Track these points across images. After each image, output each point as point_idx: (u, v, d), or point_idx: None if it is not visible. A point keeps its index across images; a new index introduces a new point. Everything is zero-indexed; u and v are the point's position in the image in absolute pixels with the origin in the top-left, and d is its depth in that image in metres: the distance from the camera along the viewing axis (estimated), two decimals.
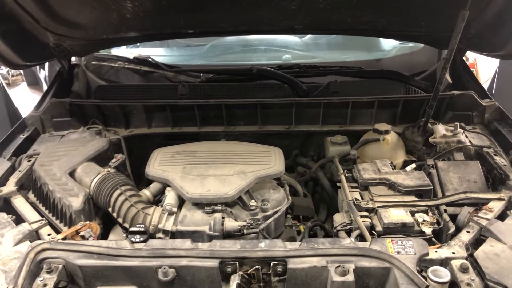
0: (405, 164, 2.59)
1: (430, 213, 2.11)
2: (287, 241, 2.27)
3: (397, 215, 2.08)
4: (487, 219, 1.93)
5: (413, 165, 2.52)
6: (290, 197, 2.33)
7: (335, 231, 2.14)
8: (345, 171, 2.43)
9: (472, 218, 1.96)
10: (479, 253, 1.75)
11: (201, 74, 3.07)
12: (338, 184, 2.39)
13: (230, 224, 2.02)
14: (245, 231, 2.01)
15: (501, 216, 2.01)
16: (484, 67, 6.51)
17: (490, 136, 2.67)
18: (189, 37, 3.35)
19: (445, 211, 2.13)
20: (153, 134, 2.80)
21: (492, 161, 2.40)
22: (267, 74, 2.94)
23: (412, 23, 2.61)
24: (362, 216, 2.10)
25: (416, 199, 2.20)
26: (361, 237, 2.00)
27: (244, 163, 2.26)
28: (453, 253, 1.77)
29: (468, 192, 2.15)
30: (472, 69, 6.36)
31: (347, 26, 2.63)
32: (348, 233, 2.10)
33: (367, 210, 2.13)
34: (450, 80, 2.93)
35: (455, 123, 2.63)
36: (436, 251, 1.78)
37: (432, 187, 2.24)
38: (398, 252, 1.73)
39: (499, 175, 2.33)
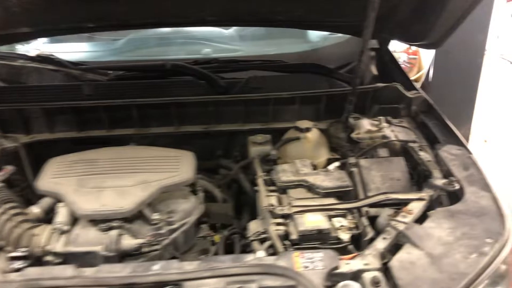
0: (330, 162, 2.43)
1: (349, 217, 1.97)
2: (201, 254, 2.07)
3: (313, 221, 1.92)
4: (404, 222, 1.80)
5: (337, 163, 2.38)
6: (203, 205, 2.13)
7: (248, 241, 1.96)
8: (264, 173, 2.25)
9: (390, 223, 1.82)
10: (394, 263, 1.62)
11: (110, 72, 2.80)
12: (256, 188, 2.21)
13: (128, 242, 1.81)
14: (145, 249, 1.80)
15: (422, 218, 1.89)
16: (428, 54, 6.50)
17: (417, 129, 2.56)
18: (90, 32, 3.06)
19: (366, 213, 1.99)
20: (59, 140, 2.52)
21: (417, 156, 2.29)
22: (182, 70, 2.71)
23: (331, 12, 2.45)
24: (277, 224, 1.93)
25: (336, 201, 2.06)
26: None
27: (148, 171, 2.03)
28: (366, 264, 1.62)
29: (389, 192, 2.02)
30: (415, 57, 6.38)
31: (262, 16, 2.43)
32: (264, 243, 1.92)
33: (283, 216, 1.96)
34: (375, 72, 2.81)
35: (379, 117, 2.50)
36: (347, 263, 1.63)
37: (352, 188, 2.10)
38: (306, 267, 1.57)
39: (423, 172, 2.21)
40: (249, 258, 1.62)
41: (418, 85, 4.48)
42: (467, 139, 4.46)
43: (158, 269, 1.56)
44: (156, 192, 1.94)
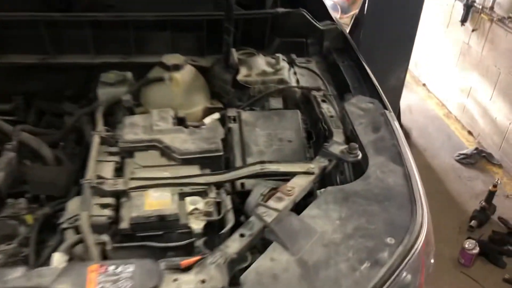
0: (209, 113, 1.82)
1: (211, 196, 1.39)
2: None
3: (155, 203, 1.33)
4: (276, 209, 1.24)
5: (216, 116, 1.77)
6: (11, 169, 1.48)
7: (61, 228, 1.34)
8: (105, 127, 1.61)
9: (257, 210, 1.25)
10: (248, 276, 1.07)
11: None
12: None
13: None
14: None
15: (306, 200, 1.34)
16: None
17: (327, 72, 1.98)
18: None
19: (233, 190, 1.43)
20: None
21: (318, 109, 1.72)
22: None
23: None
24: (103, 206, 1.33)
25: (198, 172, 1.47)
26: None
27: None
28: (204, 281, 1.06)
29: (266, 162, 1.44)
30: None
31: None
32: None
33: (114, 194, 1.36)
34: None
35: (277, 54, 1.88)
36: (176, 280, 1.06)
37: (221, 153, 1.51)
38: None
39: (323, 131, 1.65)
40: (14, 274, 1.00)
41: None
42: (402, 82, 3.95)
43: None
44: None
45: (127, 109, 1.74)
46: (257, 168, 1.41)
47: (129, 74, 1.84)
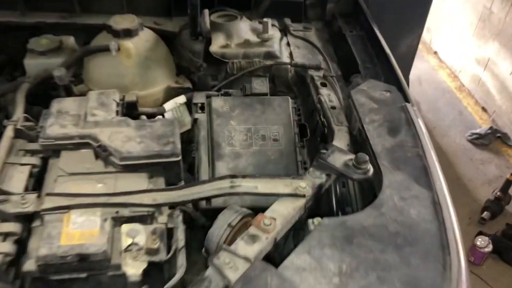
0: (170, 95, 1.39)
1: (160, 220, 0.99)
2: None
3: (77, 233, 0.94)
4: (247, 259, 0.84)
5: (181, 99, 1.34)
6: None
7: None
8: (24, 115, 1.18)
9: (215, 259, 0.85)
10: None
11: None
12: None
13: None
14: None
15: (297, 236, 0.95)
16: None
17: (330, 44, 1.53)
18: None
19: (197, 209, 1.04)
20: None
21: (316, 96, 1.29)
22: None
23: None
24: (5, 235, 0.93)
25: (146, 184, 1.06)
26: None
27: None
28: None
29: (238, 177, 1.02)
30: None
31: None
32: None
33: (22, 218, 0.95)
34: None
35: (265, 19, 1.43)
36: None
37: (179, 158, 1.09)
38: None
39: (321, 127, 1.24)
40: None
41: None
42: (414, 50, 3.49)
43: None
44: None
45: (64, 89, 1.31)
46: (224, 185, 1.00)
47: (69, 40, 1.40)
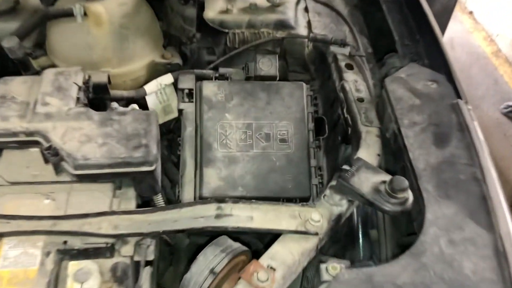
0: (155, 73, 1.10)
1: (124, 252, 0.75)
2: None
3: (7, 274, 0.70)
4: None
5: (167, 79, 1.06)
6: None
7: None
8: None
9: None
10: None
11: None
12: None
13: None
14: None
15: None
16: None
17: (358, 11, 1.22)
18: None
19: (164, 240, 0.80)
20: None
21: (339, 82, 1.00)
22: None
23: None
24: None
25: (108, 201, 0.80)
26: None
27: None
28: None
29: (229, 201, 0.76)
30: None
31: None
32: None
33: None
34: None
35: None
36: None
37: (153, 167, 0.82)
38: None
39: (343, 125, 0.95)
40: None
41: None
42: (451, 10, 3.11)
43: None
44: None
45: (19, 63, 1.03)
46: (209, 214, 0.74)
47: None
